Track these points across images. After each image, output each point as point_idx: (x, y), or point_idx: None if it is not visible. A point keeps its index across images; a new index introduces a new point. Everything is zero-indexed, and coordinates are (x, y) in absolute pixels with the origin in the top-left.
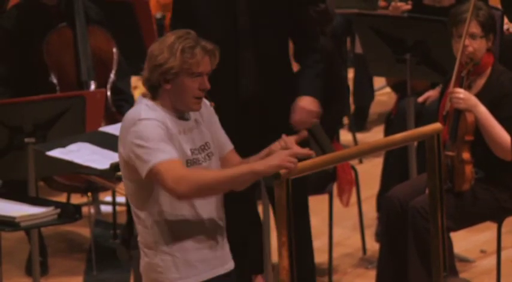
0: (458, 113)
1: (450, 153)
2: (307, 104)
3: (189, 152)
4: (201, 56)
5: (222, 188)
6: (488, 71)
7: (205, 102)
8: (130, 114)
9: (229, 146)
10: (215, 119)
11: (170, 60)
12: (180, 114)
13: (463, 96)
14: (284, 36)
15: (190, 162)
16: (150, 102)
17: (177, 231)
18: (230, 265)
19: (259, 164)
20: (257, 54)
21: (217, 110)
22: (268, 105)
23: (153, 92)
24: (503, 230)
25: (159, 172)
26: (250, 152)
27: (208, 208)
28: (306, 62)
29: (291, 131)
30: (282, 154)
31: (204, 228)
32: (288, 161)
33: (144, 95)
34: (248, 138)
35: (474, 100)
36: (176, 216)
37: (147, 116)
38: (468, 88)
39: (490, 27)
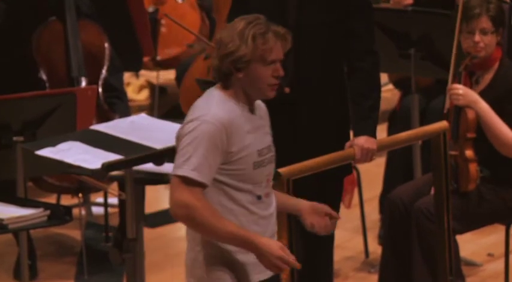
0: (459, 110)
1: (453, 152)
2: (365, 142)
3: (256, 154)
4: (273, 42)
5: (211, 236)
6: (496, 65)
7: (262, 104)
8: (201, 105)
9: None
10: (269, 122)
11: (241, 48)
12: (252, 108)
13: (462, 92)
14: (334, 38)
15: (256, 165)
16: (222, 95)
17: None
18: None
19: (258, 246)
20: (298, 53)
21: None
22: (301, 108)
23: (225, 81)
24: (511, 232)
25: (177, 184)
26: (280, 154)
27: (265, 213)
28: (362, 65)
29: (323, 134)
30: (272, 257)
31: (255, 232)
32: (274, 265)
33: (218, 87)
34: (278, 139)
35: (474, 96)
36: (229, 217)
37: (213, 116)
38: (476, 83)
39: (500, 21)
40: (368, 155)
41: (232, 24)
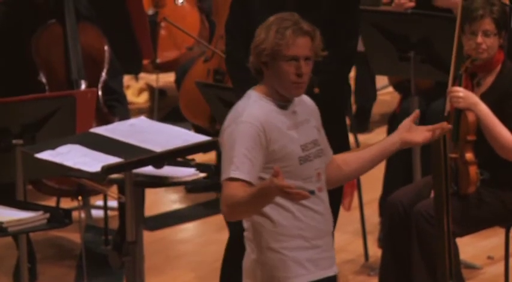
0: (459, 113)
1: (453, 155)
2: None
3: (299, 149)
4: (292, 38)
5: (246, 208)
6: (498, 68)
7: (309, 100)
8: (237, 107)
9: (330, 151)
10: (319, 118)
11: (264, 42)
12: (289, 105)
13: (462, 94)
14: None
15: (302, 160)
16: (257, 94)
17: (287, 229)
18: (335, 269)
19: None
20: None
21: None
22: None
23: (259, 77)
24: (511, 235)
25: (223, 186)
26: None
27: (320, 208)
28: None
29: None
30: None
31: (313, 228)
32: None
33: (255, 88)
34: None
35: (474, 98)
36: (286, 214)
37: (249, 115)
38: (477, 85)
39: (503, 24)
40: None
41: (267, 20)
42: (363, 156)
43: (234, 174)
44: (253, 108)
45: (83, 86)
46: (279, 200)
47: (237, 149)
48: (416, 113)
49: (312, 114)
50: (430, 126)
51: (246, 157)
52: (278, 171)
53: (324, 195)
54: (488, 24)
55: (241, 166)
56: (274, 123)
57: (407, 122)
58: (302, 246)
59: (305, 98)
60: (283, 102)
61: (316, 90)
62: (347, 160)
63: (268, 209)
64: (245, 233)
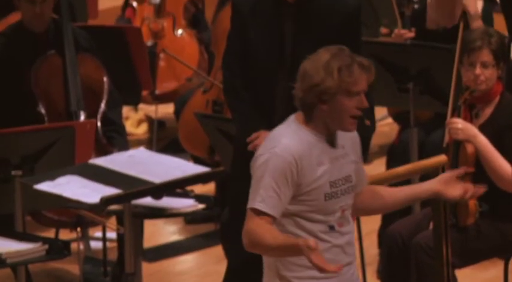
0: (458, 144)
1: None
2: None
3: (327, 186)
4: (359, 74)
5: (270, 253)
6: (497, 99)
7: (357, 134)
8: (275, 135)
9: (366, 180)
10: (359, 149)
11: (327, 80)
12: (331, 138)
13: (461, 126)
14: None
15: (328, 196)
16: (298, 125)
17: (300, 259)
18: None
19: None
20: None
21: None
22: None
23: (308, 112)
24: (510, 266)
25: (248, 216)
26: None
27: (339, 241)
28: None
29: None
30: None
31: (328, 260)
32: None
33: (298, 115)
34: None
35: (473, 130)
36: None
37: (285, 148)
38: (476, 117)
39: (501, 55)
40: None
41: (317, 56)
42: (396, 195)
43: (260, 206)
44: (290, 140)
45: (82, 117)
46: (296, 230)
47: (267, 180)
48: (463, 169)
49: (353, 147)
50: (465, 186)
51: (275, 191)
52: (314, 247)
53: (346, 229)
54: (486, 56)
55: (267, 199)
56: (308, 158)
57: (449, 175)
58: (314, 276)
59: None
60: (327, 136)
61: (367, 122)
62: (381, 193)
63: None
64: (264, 262)
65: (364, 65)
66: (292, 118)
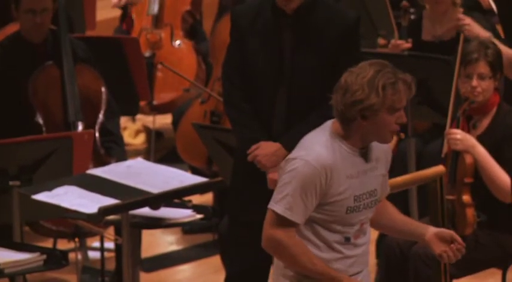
0: (457, 155)
1: (450, 197)
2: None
3: (351, 199)
4: (403, 91)
5: (301, 271)
6: (494, 110)
7: (389, 147)
8: (309, 140)
9: (385, 194)
10: (390, 160)
11: (371, 97)
12: (365, 152)
13: (460, 136)
14: (323, 79)
15: (350, 210)
16: (335, 134)
17: None
18: None
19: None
20: (290, 94)
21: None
22: None
23: (346, 125)
24: (508, 276)
25: (271, 219)
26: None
27: (352, 252)
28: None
29: None
30: None
31: (337, 270)
32: None
33: (334, 125)
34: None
35: (472, 141)
36: (310, 247)
37: (317, 158)
38: (473, 128)
39: (498, 67)
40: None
41: (360, 71)
42: (396, 223)
43: (286, 213)
44: (324, 149)
45: (80, 128)
46: (311, 236)
47: (295, 188)
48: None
49: (384, 159)
50: (448, 249)
51: (302, 200)
52: None
53: (361, 241)
54: (483, 68)
55: (295, 208)
56: (338, 170)
57: (448, 234)
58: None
59: (381, 144)
60: (360, 149)
61: (402, 135)
62: (389, 211)
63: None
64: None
65: (407, 82)
66: (328, 125)
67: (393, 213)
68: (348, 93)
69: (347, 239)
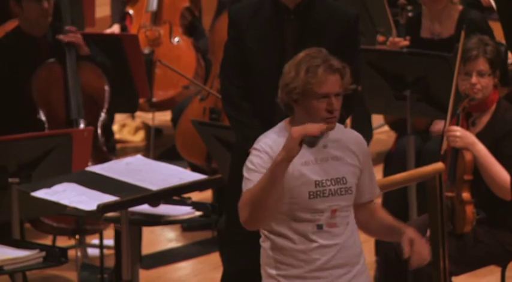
0: (456, 152)
1: (450, 194)
2: None
3: (312, 185)
4: (324, 76)
5: (262, 195)
6: (493, 107)
7: (356, 139)
8: (264, 134)
9: (370, 196)
10: (369, 162)
11: (295, 80)
12: (315, 140)
13: (460, 134)
14: None
15: (312, 195)
16: (286, 124)
17: (286, 258)
18: None
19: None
20: None
21: None
22: None
23: (289, 111)
24: (507, 274)
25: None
26: None
27: (329, 242)
28: None
29: None
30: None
31: (316, 260)
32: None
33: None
34: None
35: (471, 138)
36: (286, 243)
37: (263, 144)
38: (472, 125)
39: (497, 63)
40: None
41: (298, 55)
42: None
43: (250, 185)
44: (270, 137)
45: (82, 125)
46: (286, 231)
47: (248, 171)
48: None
49: (351, 151)
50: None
51: (257, 172)
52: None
53: (338, 231)
54: (482, 65)
55: (254, 179)
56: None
57: (424, 244)
58: (300, 276)
59: (351, 136)
60: (312, 136)
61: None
62: (380, 216)
63: (273, 236)
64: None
65: (332, 67)
66: (282, 122)
67: (383, 218)
68: (282, 77)
69: (319, 227)
